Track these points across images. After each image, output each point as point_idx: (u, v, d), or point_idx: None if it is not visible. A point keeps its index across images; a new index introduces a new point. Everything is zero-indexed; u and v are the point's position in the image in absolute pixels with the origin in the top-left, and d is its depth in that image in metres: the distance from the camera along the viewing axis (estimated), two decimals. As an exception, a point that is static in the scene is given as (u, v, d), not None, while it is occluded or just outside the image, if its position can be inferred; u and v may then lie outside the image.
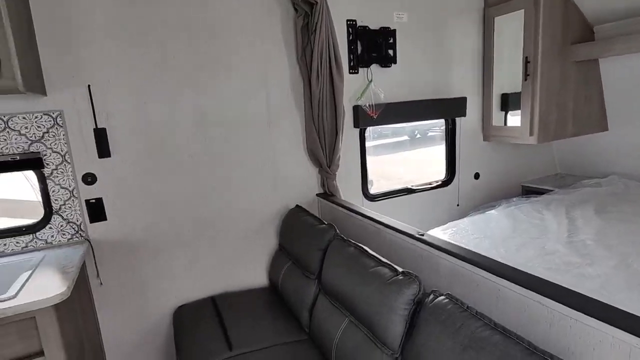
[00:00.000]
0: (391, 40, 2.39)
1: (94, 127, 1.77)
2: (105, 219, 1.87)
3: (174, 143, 1.95)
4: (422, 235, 1.53)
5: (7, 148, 1.64)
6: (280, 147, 2.21)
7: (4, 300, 1.24)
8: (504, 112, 2.84)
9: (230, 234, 2.16)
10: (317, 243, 1.76)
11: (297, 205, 2.24)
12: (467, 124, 2.82)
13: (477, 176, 2.95)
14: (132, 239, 1.94)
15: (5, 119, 1.62)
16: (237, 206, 2.15)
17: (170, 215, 2.00)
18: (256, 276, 2.27)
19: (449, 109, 2.68)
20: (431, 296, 1.15)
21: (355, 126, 2.39)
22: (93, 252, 1.84)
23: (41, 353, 1.30)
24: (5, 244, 1.70)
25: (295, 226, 2.05)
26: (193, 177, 2.02)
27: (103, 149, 1.80)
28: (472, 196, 2.94)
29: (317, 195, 2.37)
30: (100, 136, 1.79)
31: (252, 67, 2.06)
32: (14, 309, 1.21)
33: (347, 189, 2.39)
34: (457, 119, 2.76)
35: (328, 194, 2.32)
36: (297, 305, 1.80)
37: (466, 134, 2.83)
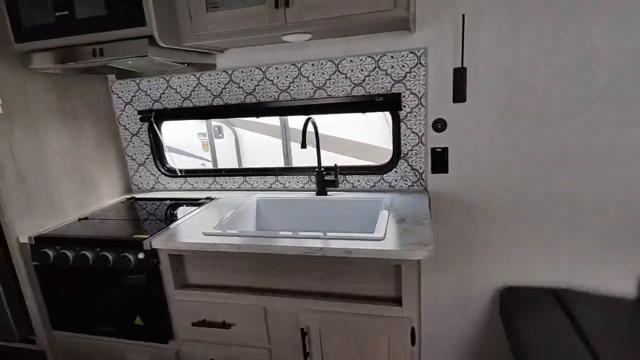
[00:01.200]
0: None
1: (455, 66, 1.56)
2: (446, 171, 1.70)
3: (542, 90, 1.51)
4: None
5: (373, 88, 1.67)
6: None
7: (376, 240, 1.23)
8: None
9: (592, 218, 1.59)
10: None
11: None
12: None
13: None
14: (469, 198, 1.71)
15: (376, 58, 1.63)
16: (612, 182, 1.53)
17: (517, 179, 1.63)
18: (618, 280, 1.63)
19: None
20: None
21: None
22: (430, 203, 1.73)
23: (398, 301, 1.26)
24: (359, 180, 1.82)
25: None
26: (558, 136, 1.54)
27: (459, 93, 1.58)
28: None
29: None
30: (460, 77, 1.56)
31: None
32: (386, 252, 1.17)
33: None
34: None
35: None
36: None
37: None
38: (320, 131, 1.69)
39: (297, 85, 1.75)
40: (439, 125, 1.65)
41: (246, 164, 3.56)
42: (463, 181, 1.70)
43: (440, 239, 1.78)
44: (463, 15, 1.46)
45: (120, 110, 2.03)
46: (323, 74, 1.70)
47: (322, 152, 1.75)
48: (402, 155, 1.73)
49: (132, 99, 2.00)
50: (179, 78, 1.89)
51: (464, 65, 1.54)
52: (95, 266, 1.46)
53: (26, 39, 1.46)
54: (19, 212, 1.55)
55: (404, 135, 1.70)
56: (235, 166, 3.58)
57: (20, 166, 1.55)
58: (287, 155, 2.87)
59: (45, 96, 1.66)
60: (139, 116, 2.00)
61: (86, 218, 1.72)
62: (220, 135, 3.38)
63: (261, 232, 1.38)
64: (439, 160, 1.69)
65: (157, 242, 1.38)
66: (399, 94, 1.64)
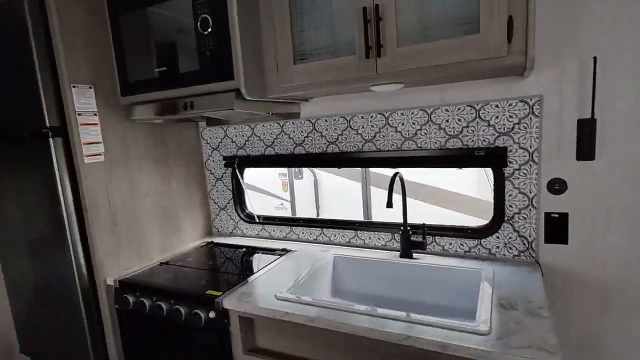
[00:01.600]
0: None
1: (580, 117, 1.29)
2: (565, 241, 1.38)
3: None
4: None
5: (472, 141, 1.46)
6: None
7: (480, 335, 0.99)
8: None
9: None
10: None
11: None
12: None
13: None
14: (596, 277, 1.36)
15: (477, 107, 1.43)
16: None
17: (671, 259, 1.25)
18: None
19: None
20: None
21: None
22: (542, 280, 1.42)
23: (507, 418, 0.98)
24: (450, 244, 1.58)
25: None
26: None
27: (586, 148, 1.29)
28: None
29: None
30: (587, 130, 1.28)
31: None
32: (494, 356, 0.92)
33: None
34: None
35: None
36: None
37: None
38: (405, 177, 1.50)
39: (384, 136, 1.61)
40: (557, 186, 1.36)
41: (324, 207, 3.48)
42: (589, 255, 1.36)
43: (556, 324, 1.44)
44: (595, 58, 1.20)
45: (208, 156, 2.10)
46: (413, 124, 1.54)
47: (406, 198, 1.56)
48: (506, 218, 1.46)
49: (218, 145, 2.05)
50: (263, 126, 1.89)
51: (594, 117, 1.26)
52: (169, 318, 1.43)
53: (131, 92, 1.56)
54: (108, 254, 1.61)
55: (510, 195, 1.44)
56: (313, 208, 3.53)
57: (113, 209, 1.63)
58: (366, 204, 2.72)
59: (143, 143, 1.76)
60: (224, 162, 2.04)
61: (167, 263, 1.74)
62: (300, 176, 3.37)
63: (337, 302, 1.23)
64: (556, 228, 1.39)
65: (229, 302, 1.30)
66: (505, 147, 1.41)
